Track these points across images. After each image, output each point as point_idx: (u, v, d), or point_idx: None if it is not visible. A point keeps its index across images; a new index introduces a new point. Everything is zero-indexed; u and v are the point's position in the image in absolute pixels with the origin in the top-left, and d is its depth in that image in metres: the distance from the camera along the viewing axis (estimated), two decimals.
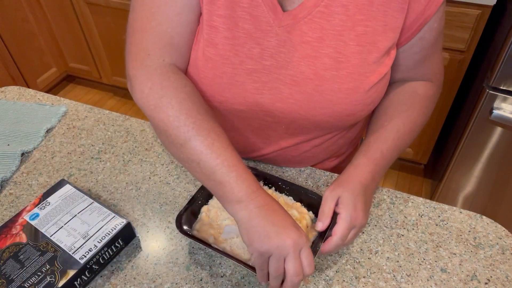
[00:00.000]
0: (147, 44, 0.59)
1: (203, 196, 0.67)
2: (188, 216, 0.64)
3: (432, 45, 0.64)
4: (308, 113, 0.62)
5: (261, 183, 0.69)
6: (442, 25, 0.63)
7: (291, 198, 0.68)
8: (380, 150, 0.63)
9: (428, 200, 0.73)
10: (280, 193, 0.69)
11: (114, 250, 0.64)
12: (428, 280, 0.62)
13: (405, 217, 0.71)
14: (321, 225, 0.58)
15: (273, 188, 0.69)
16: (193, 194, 0.66)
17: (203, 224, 0.64)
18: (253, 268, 0.55)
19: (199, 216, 0.65)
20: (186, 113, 0.55)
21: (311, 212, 0.66)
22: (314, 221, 0.65)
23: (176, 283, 0.62)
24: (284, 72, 0.60)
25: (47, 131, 0.88)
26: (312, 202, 0.66)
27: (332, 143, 0.74)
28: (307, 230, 0.63)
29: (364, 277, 0.62)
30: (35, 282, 0.57)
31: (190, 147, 0.54)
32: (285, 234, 0.50)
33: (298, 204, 0.67)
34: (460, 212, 0.71)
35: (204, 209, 0.66)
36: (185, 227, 0.62)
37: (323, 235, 0.59)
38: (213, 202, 0.67)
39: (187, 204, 0.64)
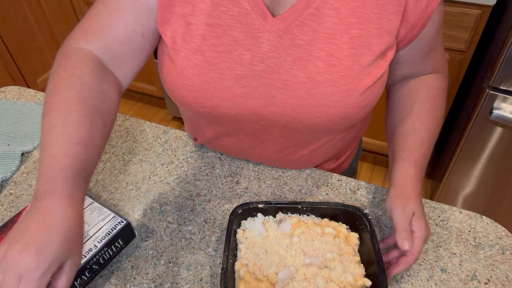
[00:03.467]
0: (81, 27, 0.62)
1: (228, 251, 0.59)
2: (228, 282, 0.56)
3: (435, 38, 0.65)
4: (302, 116, 0.62)
5: (280, 214, 0.65)
6: (442, 17, 0.64)
7: (313, 216, 0.66)
8: (422, 154, 0.64)
9: (428, 200, 0.73)
10: (302, 215, 0.66)
11: (114, 250, 0.64)
12: (428, 280, 0.62)
13: None
14: (408, 244, 0.56)
15: (296, 214, 0.66)
16: (222, 258, 0.60)
17: (249, 283, 0.56)
18: None
19: (236, 276, 0.58)
20: (55, 93, 0.54)
21: (340, 222, 0.65)
22: (348, 230, 0.64)
23: (176, 283, 0.62)
24: (275, 77, 0.60)
25: None
26: (335, 213, 0.65)
27: (330, 146, 0.74)
28: (347, 241, 0.62)
29: None
30: None
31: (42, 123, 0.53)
32: (10, 250, 0.43)
33: (326, 220, 0.65)
34: (460, 212, 0.71)
35: (239, 266, 0.59)
36: None
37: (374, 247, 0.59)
38: (242, 253, 0.60)
39: (221, 271, 0.56)
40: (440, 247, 0.66)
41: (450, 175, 1.57)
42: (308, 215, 0.66)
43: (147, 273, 0.63)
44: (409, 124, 0.67)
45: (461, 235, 0.68)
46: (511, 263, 0.64)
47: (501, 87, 1.27)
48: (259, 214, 0.65)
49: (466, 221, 0.70)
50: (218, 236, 0.68)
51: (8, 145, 0.84)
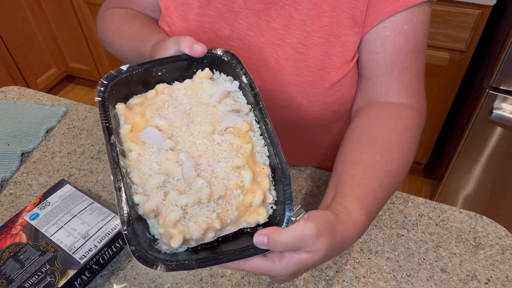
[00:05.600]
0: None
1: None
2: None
3: (401, 52, 0.55)
4: (266, 103, 0.59)
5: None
6: (421, 35, 0.54)
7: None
8: (377, 201, 0.48)
9: (428, 200, 0.73)
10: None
11: (114, 250, 0.64)
12: (428, 280, 0.62)
13: (405, 217, 0.71)
14: (259, 242, 0.40)
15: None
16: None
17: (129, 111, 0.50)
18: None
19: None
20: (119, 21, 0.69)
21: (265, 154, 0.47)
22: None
23: (176, 283, 0.62)
24: (250, 55, 0.60)
25: (47, 131, 0.88)
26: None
27: (308, 146, 0.72)
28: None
29: (364, 277, 0.62)
30: (35, 282, 0.57)
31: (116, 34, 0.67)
32: None
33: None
34: (460, 212, 0.71)
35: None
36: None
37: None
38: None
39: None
40: (440, 247, 0.66)
41: (450, 175, 1.57)
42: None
43: (147, 273, 0.63)
44: (369, 154, 0.51)
45: (461, 235, 0.68)
46: (511, 263, 0.64)
47: (501, 87, 1.27)
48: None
49: (466, 221, 0.70)
50: None
51: (8, 145, 0.84)
